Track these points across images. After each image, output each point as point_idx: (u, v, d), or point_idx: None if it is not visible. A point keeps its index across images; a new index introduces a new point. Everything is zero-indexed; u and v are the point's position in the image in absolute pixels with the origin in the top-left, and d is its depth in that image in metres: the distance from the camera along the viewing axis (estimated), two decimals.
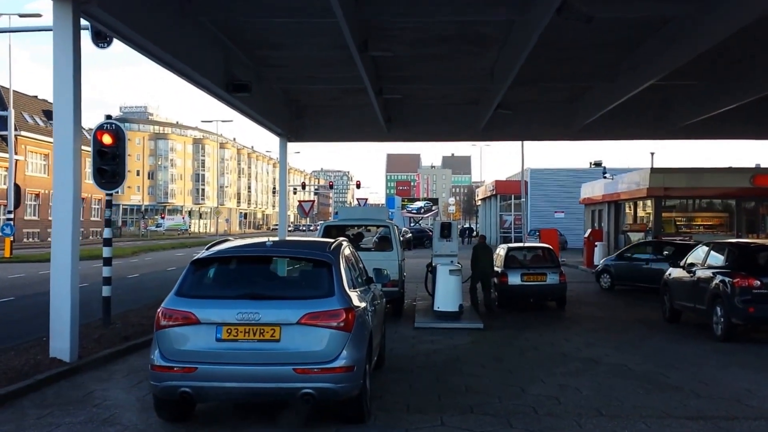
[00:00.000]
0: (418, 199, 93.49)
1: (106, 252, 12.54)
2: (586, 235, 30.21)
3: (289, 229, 78.70)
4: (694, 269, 12.97)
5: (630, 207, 28.57)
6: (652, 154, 41.98)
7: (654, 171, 25.14)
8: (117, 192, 12.46)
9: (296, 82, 18.68)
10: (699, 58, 13.75)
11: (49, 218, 61.07)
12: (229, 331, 6.41)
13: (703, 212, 27.05)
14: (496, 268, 16.33)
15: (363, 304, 7.29)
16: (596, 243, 28.67)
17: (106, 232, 12.73)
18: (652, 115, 21.35)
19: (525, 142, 42.95)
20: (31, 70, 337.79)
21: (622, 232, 26.60)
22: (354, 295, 7.10)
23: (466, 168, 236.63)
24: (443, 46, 15.33)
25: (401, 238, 17.76)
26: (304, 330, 6.41)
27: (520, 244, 20.25)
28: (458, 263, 14.71)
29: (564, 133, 22.64)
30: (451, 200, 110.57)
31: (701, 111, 19.42)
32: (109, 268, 12.45)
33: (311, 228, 62.75)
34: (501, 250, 17.17)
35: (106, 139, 11.84)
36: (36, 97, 60.82)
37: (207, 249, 7.40)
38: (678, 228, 25.77)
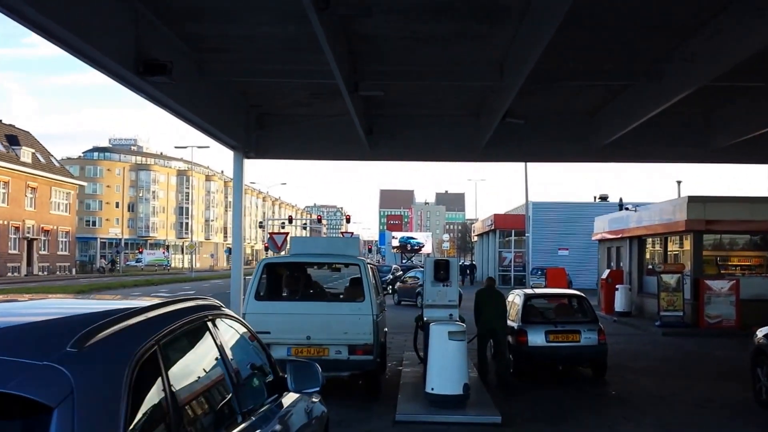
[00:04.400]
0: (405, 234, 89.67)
1: None
2: (604, 276, 25.88)
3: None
4: None
5: (658, 243, 24.22)
6: (679, 182, 37.04)
7: (692, 200, 20.84)
8: None
9: (250, 75, 14.33)
10: None
11: (10, 252, 56.79)
12: None
13: (741, 251, 22.72)
14: (510, 323, 11.89)
15: None
16: (617, 286, 24.36)
17: None
18: (695, 128, 17.25)
19: (528, 171, 38.98)
20: (24, 102, 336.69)
21: (653, 272, 22.22)
22: None
23: (460, 205, 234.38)
24: (441, 22, 11.22)
25: (390, 277, 13.34)
26: None
27: (543, 290, 15.79)
28: (460, 320, 10.28)
29: (583, 151, 18.44)
30: (446, 236, 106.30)
31: (760, 123, 15.41)
32: None
33: None
34: (517, 298, 12.71)
35: None
36: (0, 121, 56.99)
37: None
38: (719, 269, 21.42)
